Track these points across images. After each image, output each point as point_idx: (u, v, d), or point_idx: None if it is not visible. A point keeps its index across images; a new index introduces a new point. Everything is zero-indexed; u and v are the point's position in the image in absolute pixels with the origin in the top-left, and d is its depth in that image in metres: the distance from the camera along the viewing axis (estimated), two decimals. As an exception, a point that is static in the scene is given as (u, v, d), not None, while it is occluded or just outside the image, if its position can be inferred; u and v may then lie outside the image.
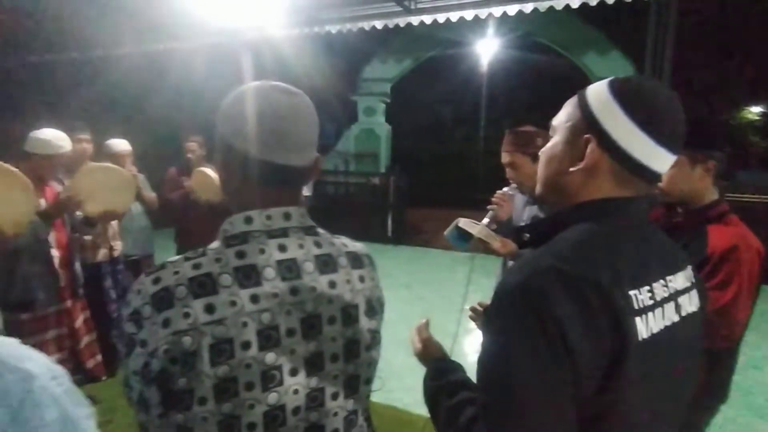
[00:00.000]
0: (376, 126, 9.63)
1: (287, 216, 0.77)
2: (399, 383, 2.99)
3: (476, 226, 1.82)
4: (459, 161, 13.88)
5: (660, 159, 0.71)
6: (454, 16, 4.90)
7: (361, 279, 0.83)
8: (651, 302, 0.67)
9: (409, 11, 5.00)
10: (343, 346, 0.78)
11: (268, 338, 0.70)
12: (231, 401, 0.67)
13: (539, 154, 0.84)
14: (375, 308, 0.84)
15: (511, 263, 1.86)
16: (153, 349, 0.66)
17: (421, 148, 13.63)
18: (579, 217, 0.74)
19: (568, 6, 4.49)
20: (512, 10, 4.65)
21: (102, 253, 3.05)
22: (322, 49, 7.06)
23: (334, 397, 0.77)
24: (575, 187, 0.75)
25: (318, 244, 0.79)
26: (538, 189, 0.83)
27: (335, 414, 0.78)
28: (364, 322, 0.81)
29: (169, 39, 6.01)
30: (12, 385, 0.41)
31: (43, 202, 2.33)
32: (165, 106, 7.81)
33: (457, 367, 0.90)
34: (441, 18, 4.98)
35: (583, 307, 0.61)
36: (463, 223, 1.86)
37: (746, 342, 1.48)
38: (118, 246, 3.18)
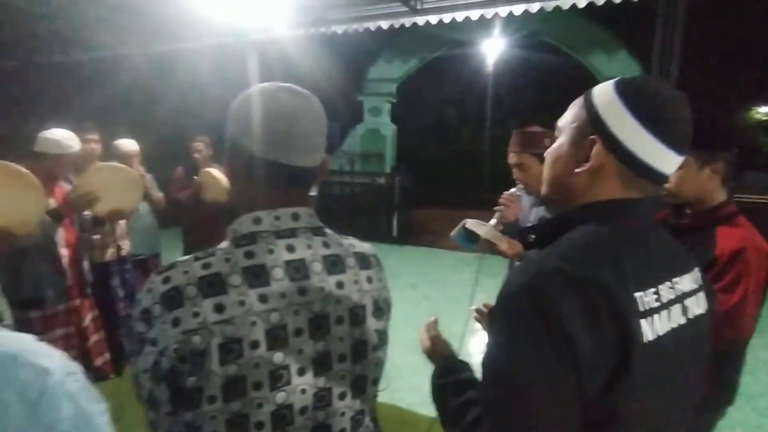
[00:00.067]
0: (382, 126, 9.63)
1: (296, 216, 0.78)
2: (404, 383, 2.99)
3: (483, 227, 1.81)
4: (464, 161, 13.87)
5: (666, 160, 0.71)
6: (459, 16, 4.88)
7: (369, 280, 0.83)
8: (657, 304, 0.67)
9: (414, 11, 4.99)
10: (350, 347, 0.78)
11: (276, 338, 0.71)
12: (239, 400, 0.68)
13: (545, 154, 0.84)
14: (382, 309, 0.85)
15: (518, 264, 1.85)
16: (163, 348, 0.66)
17: (426, 148, 13.64)
18: (584, 219, 0.73)
19: (574, 5, 4.46)
20: (518, 9, 4.63)
21: (110, 252, 3.08)
22: (328, 49, 7.07)
23: (342, 397, 0.78)
24: (581, 188, 0.75)
25: (326, 245, 0.80)
26: (543, 190, 0.83)
27: (342, 414, 0.78)
28: (372, 323, 0.81)
29: (176, 40, 6.05)
30: (29, 380, 0.41)
31: (52, 202, 2.35)
32: (172, 106, 7.86)
33: (465, 366, 0.90)
34: (447, 18, 4.96)
35: (587, 309, 0.61)
36: (470, 224, 1.85)
37: (753, 344, 1.47)
38: (126, 245, 3.21)
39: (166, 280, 0.69)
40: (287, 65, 6.02)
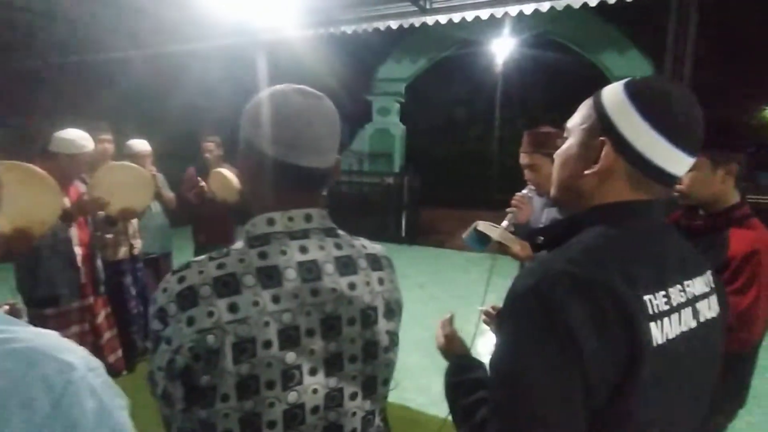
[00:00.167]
0: (391, 126, 9.64)
1: (308, 218, 0.78)
2: (412, 383, 3.00)
3: (495, 230, 1.80)
4: (473, 161, 13.81)
5: (677, 162, 0.70)
6: (469, 15, 4.85)
7: (380, 281, 0.84)
8: (667, 307, 0.66)
9: (424, 11, 4.98)
10: (361, 348, 0.79)
11: (289, 338, 0.71)
12: (252, 399, 0.69)
13: (554, 156, 0.84)
14: (393, 310, 0.85)
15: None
16: (178, 346, 0.68)
17: (435, 148, 13.60)
18: (593, 221, 0.73)
19: (585, 4, 4.42)
20: (528, 9, 4.59)
21: (122, 251, 3.12)
22: (337, 49, 7.09)
23: (353, 397, 0.79)
24: (590, 190, 0.75)
25: (338, 246, 0.80)
26: (552, 192, 0.83)
27: (353, 414, 0.79)
28: (383, 324, 0.82)
29: (187, 41, 6.10)
30: (53, 375, 0.42)
31: (66, 201, 2.39)
32: (183, 106, 7.93)
33: (478, 365, 0.90)
34: (456, 18, 4.94)
35: (595, 312, 0.60)
36: (482, 226, 1.84)
37: (765, 346, 1.46)
38: (138, 244, 3.25)
39: (181, 280, 0.70)
40: (296, 65, 6.04)
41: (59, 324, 2.41)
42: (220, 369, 0.67)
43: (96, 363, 0.47)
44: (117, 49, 6.59)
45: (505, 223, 1.82)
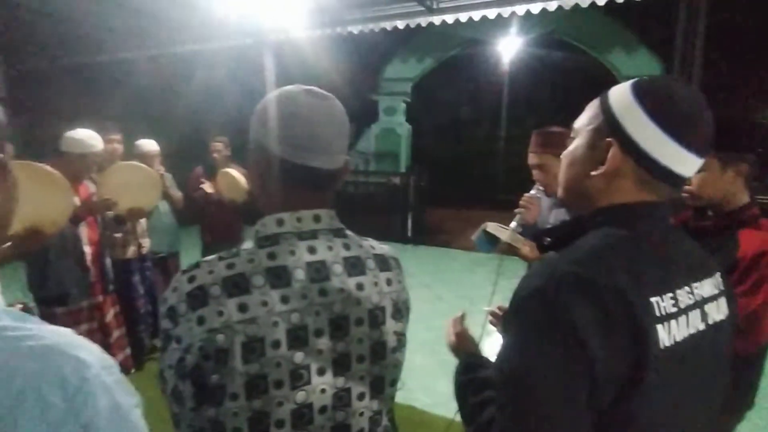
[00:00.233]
0: (397, 125, 9.64)
1: (317, 218, 0.79)
2: (418, 383, 3.00)
3: (504, 231, 1.79)
4: (480, 161, 13.77)
5: (685, 163, 0.69)
6: (476, 15, 4.83)
7: (389, 282, 0.84)
8: (674, 309, 0.66)
9: (431, 11, 4.97)
10: (369, 348, 0.79)
11: (297, 338, 0.72)
12: (261, 398, 0.70)
13: (561, 157, 0.84)
14: (401, 311, 0.85)
15: None
16: (188, 345, 0.68)
17: (441, 147, 13.57)
18: (600, 222, 0.73)
19: (593, 3, 4.39)
20: (536, 8, 4.56)
21: (131, 250, 3.15)
22: (344, 49, 7.10)
23: (360, 397, 0.79)
24: (597, 191, 0.74)
25: (347, 247, 0.81)
26: (559, 193, 0.83)
27: (361, 414, 0.79)
28: (391, 325, 0.82)
29: (195, 42, 6.15)
30: (68, 373, 0.43)
31: (76, 200, 2.42)
32: (191, 107, 7.99)
33: (488, 364, 0.90)
34: (463, 17, 4.92)
35: (600, 313, 0.60)
36: (491, 227, 1.83)
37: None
38: (146, 243, 3.28)
39: (191, 279, 0.71)
40: (304, 65, 6.07)
41: (69, 322, 2.43)
42: (229, 368, 0.68)
43: (110, 361, 0.48)
44: (126, 49, 6.65)
45: (513, 224, 1.81)
